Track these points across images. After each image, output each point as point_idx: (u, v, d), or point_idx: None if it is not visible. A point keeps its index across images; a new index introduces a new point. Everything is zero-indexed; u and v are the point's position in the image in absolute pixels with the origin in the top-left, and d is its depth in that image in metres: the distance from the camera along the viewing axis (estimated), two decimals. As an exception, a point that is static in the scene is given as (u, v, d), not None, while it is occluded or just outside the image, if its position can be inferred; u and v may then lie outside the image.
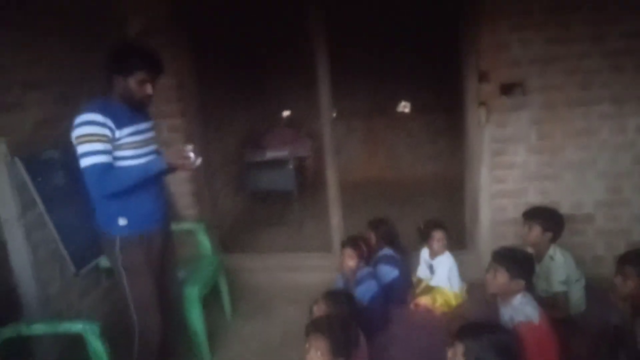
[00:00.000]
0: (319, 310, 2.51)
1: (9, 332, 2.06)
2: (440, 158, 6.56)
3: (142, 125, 2.26)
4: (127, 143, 2.14)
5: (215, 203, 4.53)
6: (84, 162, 2.05)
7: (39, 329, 2.12)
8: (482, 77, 3.20)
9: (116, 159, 2.14)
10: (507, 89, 3.16)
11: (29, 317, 2.48)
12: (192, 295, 2.71)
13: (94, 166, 2.04)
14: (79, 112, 2.10)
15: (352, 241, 3.09)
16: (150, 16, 3.40)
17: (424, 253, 3.34)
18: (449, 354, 1.88)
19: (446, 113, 6.04)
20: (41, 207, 2.49)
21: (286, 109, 6.85)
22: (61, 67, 2.82)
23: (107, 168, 2.07)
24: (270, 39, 5.73)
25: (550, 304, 2.68)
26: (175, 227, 3.29)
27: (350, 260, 2.99)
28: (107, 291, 3.07)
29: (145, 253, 2.24)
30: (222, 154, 5.10)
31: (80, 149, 2.05)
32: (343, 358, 2.02)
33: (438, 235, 3.20)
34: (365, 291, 2.89)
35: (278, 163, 4.95)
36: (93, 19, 3.12)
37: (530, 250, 2.91)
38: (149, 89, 2.18)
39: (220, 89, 5.09)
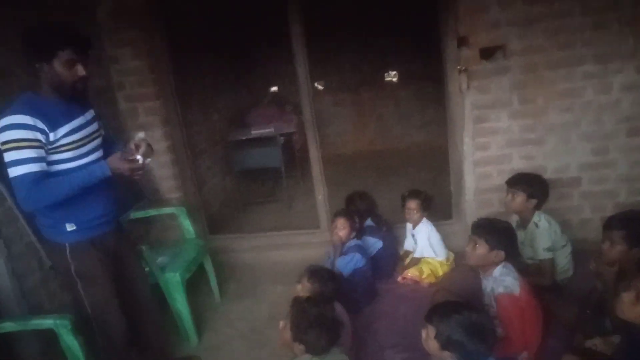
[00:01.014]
0: (304, 288, 2.48)
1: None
2: (429, 127, 6.49)
3: (80, 120, 1.99)
4: (64, 145, 1.90)
5: (202, 184, 4.48)
6: (12, 172, 1.79)
7: (9, 326, 2.08)
8: (461, 42, 3.10)
9: (53, 163, 1.89)
10: (487, 53, 3.06)
11: (6, 312, 2.47)
12: (173, 280, 2.69)
13: (23, 177, 1.78)
14: (3, 113, 1.82)
15: (344, 211, 3.09)
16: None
17: (409, 225, 3.31)
18: (423, 334, 1.86)
19: (434, 81, 5.87)
20: (9, 200, 2.44)
21: (272, 85, 6.74)
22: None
23: (38, 178, 1.81)
24: (252, 14, 5.57)
25: (536, 271, 2.66)
26: (156, 212, 3.29)
27: (342, 230, 2.99)
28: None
29: (98, 257, 2.07)
30: (207, 134, 5.02)
31: (7, 156, 1.78)
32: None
33: (410, 205, 3.19)
34: (347, 262, 2.88)
35: (264, 140, 4.88)
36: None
37: (514, 217, 2.88)
38: (80, 69, 1.88)
39: (204, 68, 4.99)
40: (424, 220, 3.22)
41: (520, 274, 2.26)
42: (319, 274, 2.53)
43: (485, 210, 3.34)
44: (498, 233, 2.23)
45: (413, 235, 3.27)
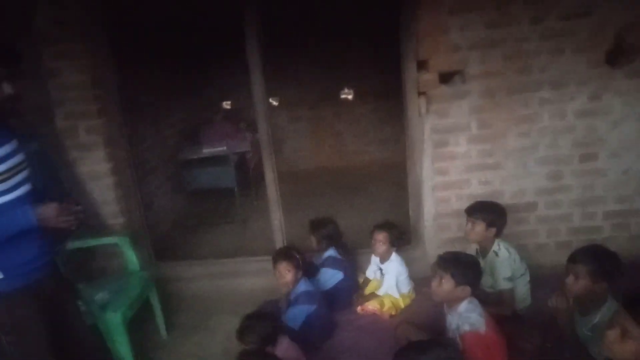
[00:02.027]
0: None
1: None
2: (387, 145, 6.50)
3: (7, 148, 1.74)
4: None
5: (150, 205, 4.23)
6: None
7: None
8: (421, 66, 3.05)
9: None
10: (446, 78, 3.02)
11: None
12: (114, 321, 2.45)
13: None
14: None
15: (283, 254, 2.87)
16: (60, 4, 3.02)
17: (375, 257, 3.21)
18: None
19: (391, 99, 5.93)
20: None
21: (226, 99, 6.54)
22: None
23: None
24: (206, 24, 5.37)
25: (496, 301, 2.61)
26: (96, 241, 3.03)
27: (287, 274, 2.79)
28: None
29: (33, 308, 1.80)
30: (158, 151, 4.78)
31: None
32: None
33: (378, 237, 3.07)
34: (296, 314, 2.71)
35: (217, 159, 4.68)
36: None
37: (474, 246, 2.83)
38: (7, 87, 1.67)
39: (154, 80, 4.74)
40: (394, 256, 3.09)
41: (483, 308, 2.19)
42: (250, 332, 2.32)
43: (444, 235, 3.30)
44: (464, 268, 2.16)
45: (380, 269, 3.15)
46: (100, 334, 2.46)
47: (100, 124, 3.25)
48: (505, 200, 3.12)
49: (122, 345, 2.49)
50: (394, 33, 3.30)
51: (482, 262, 2.71)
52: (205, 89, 6.32)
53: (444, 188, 3.22)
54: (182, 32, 5.20)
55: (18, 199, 1.77)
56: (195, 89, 6.07)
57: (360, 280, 3.27)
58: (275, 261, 2.84)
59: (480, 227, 2.70)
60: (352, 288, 3.15)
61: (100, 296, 2.56)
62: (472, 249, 2.86)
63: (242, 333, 2.31)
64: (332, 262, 3.09)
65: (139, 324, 2.87)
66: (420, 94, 3.09)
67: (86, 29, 3.11)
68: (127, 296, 2.64)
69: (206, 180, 4.65)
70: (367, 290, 3.16)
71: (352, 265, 3.25)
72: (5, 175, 1.72)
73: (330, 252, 3.13)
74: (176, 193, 5.00)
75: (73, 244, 2.89)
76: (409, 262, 3.20)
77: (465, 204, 2.93)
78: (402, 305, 3.00)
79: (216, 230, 4.63)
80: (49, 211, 1.72)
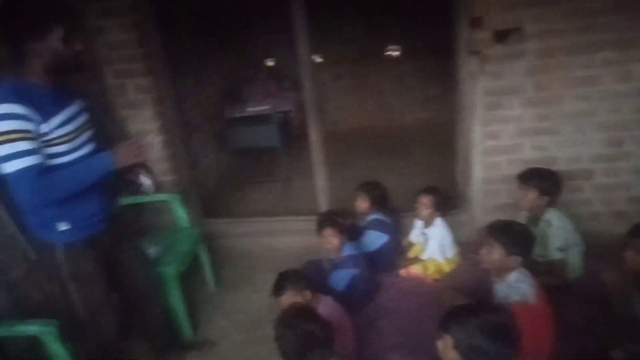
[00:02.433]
0: (286, 299, 2.34)
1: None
2: (433, 105, 6.30)
3: (72, 109, 1.82)
4: (58, 137, 1.73)
5: (195, 163, 4.31)
6: (9, 168, 1.62)
7: (-9, 331, 1.95)
8: (475, 23, 2.89)
9: (47, 157, 1.72)
10: (501, 36, 2.86)
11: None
12: (168, 274, 2.54)
13: (23, 172, 1.61)
14: None
15: (327, 220, 2.87)
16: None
17: (419, 222, 3.18)
18: (439, 345, 1.73)
19: (439, 56, 5.69)
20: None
21: (270, 58, 6.46)
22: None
23: (39, 172, 1.65)
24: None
25: (546, 270, 2.55)
26: (149, 198, 3.12)
27: (333, 239, 2.81)
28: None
29: (94, 258, 1.94)
30: (201, 110, 4.81)
31: (2, 150, 1.60)
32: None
33: (423, 200, 3.03)
34: (341, 278, 2.74)
35: (260, 118, 4.68)
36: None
37: (524, 214, 2.76)
38: (77, 43, 1.73)
39: (197, 39, 4.73)
40: (439, 221, 3.05)
41: (534, 278, 2.14)
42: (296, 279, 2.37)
43: (493, 201, 3.22)
44: (516, 238, 2.10)
45: (424, 234, 3.13)
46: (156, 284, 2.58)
47: (149, 82, 3.28)
48: (559, 166, 2.98)
49: (174, 297, 2.60)
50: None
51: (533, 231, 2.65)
52: (249, 46, 6.26)
53: (494, 153, 3.11)
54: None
55: (82, 158, 1.85)
56: (238, 47, 6.02)
57: (404, 243, 3.26)
58: (320, 227, 2.85)
59: (532, 194, 2.61)
60: (396, 251, 3.15)
61: (154, 250, 2.66)
62: (522, 217, 2.79)
63: (278, 286, 2.36)
64: (377, 225, 3.09)
65: (187, 276, 2.99)
66: (472, 53, 2.95)
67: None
68: (178, 251, 2.74)
69: (250, 139, 4.67)
70: (411, 254, 3.15)
71: (397, 229, 3.23)
72: (71, 135, 1.80)
73: (377, 214, 3.13)
74: (220, 151, 5.07)
75: (126, 200, 2.99)
76: (454, 227, 3.15)
77: (516, 170, 2.84)
78: (446, 270, 2.99)
79: (260, 189, 4.70)
80: (121, 150, 1.80)
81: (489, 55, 2.91)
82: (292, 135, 5.09)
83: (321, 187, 3.53)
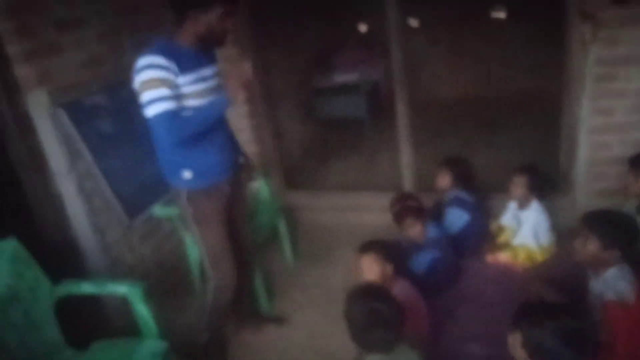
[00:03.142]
0: (368, 261, 2.31)
1: (61, 290, 2.10)
2: (538, 74, 5.70)
3: (207, 71, 2.00)
4: (189, 93, 1.90)
5: (280, 135, 4.33)
6: (152, 110, 1.81)
7: (86, 288, 2.13)
8: (590, -19, 2.51)
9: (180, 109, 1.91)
10: (622, -4, 2.46)
11: (90, 265, 2.56)
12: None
13: (164, 114, 1.81)
14: (141, 54, 1.86)
15: (405, 207, 2.75)
16: None
17: (513, 203, 2.94)
18: (509, 340, 1.58)
19: (548, 21, 5.13)
20: (88, 157, 2.44)
21: (360, 22, 6.22)
22: (98, 1, 2.62)
23: (176, 114, 1.85)
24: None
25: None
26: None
27: (414, 226, 2.72)
28: (169, 235, 3.09)
29: (213, 205, 2.10)
30: (288, 79, 4.78)
31: (146, 95, 1.81)
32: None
33: (517, 180, 2.78)
34: (422, 261, 2.61)
35: (348, 88, 4.57)
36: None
37: (633, 201, 2.41)
38: (229, 24, 1.92)
39: (284, 5, 4.66)
40: (535, 204, 2.80)
41: (637, 276, 1.87)
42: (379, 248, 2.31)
43: (599, 185, 2.87)
44: (616, 229, 1.85)
45: (517, 217, 2.89)
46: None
47: (235, 53, 3.30)
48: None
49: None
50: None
51: None
52: (339, 10, 6.07)
53: (605, 131, 2.75)
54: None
55: None
56: (329, 11, 5.84)
57: (494, 227, 3.03)
58: (398, 220, 2.78)
59: (645, 181, 2.27)
60: (481, 234, 2.94)
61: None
62: (630, 205, 2.44)
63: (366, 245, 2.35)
64: (458, 203, 2.91)
65: (265, 247, 3.05)
66: (586, 16, 2.58)
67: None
68: (257, 223, 2.79)
69: (336, 109, 4.59)
70: (501, 239, 2.92)
71: (481, 210, 3.01)
72: (204, 92, 1.95)
73: (458, 192, 2.94)
74: (306, 122, 5.04)
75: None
76: (554, 212, 2.87)
77: (629, 151, 2.52)
78: (539, 259, 2.73)
79: (344, 162, 4.62)
80: (229, 85, 1.89)
81: (605, 19, 2.52)
82: (381, 106, 4.91)
83: (406, 162, 3.38)
